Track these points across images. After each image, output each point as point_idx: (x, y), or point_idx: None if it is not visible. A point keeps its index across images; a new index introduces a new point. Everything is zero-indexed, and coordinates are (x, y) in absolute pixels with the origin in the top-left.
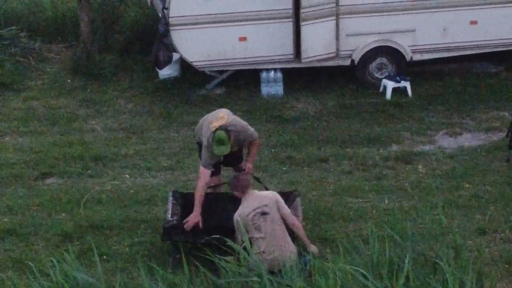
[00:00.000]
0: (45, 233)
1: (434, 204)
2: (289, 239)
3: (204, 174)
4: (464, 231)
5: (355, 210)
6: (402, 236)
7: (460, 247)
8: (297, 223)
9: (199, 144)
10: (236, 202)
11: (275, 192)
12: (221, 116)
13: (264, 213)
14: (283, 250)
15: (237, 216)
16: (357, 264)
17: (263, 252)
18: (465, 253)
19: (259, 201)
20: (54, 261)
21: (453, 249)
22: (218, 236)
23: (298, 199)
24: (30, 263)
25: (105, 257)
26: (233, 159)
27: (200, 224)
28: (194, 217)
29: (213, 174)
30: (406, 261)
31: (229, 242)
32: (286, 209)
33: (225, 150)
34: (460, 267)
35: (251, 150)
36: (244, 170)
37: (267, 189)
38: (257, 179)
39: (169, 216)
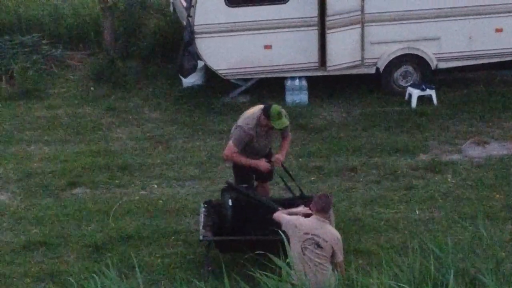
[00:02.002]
0: (75, 244)
1: (467, 215)
2: (327, 276)
3: (231, 148)
4: (498, 242)
5: (386, 220)
6: (442, 250)
7: (501, 260)
8: (343, 272)
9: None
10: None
11: (340, 238)
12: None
13: (318, 245)
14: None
15: (296, 220)
16: (400, 279)
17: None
18: (506, 267)
19: (323, 231)
20: (96, 276)
21: (493, 263)
22: (261, 251)
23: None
24: (69, 277)
25: (137, 269)
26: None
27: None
28: (262, 165)
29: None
30: (451, 278)
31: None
32: (340, 258)
33: (285, 121)
34: (501, 281)
35: (284, 142)
36: (271, 160)
37: (294, 181)
38: (285, 169)
39: (201, 228)
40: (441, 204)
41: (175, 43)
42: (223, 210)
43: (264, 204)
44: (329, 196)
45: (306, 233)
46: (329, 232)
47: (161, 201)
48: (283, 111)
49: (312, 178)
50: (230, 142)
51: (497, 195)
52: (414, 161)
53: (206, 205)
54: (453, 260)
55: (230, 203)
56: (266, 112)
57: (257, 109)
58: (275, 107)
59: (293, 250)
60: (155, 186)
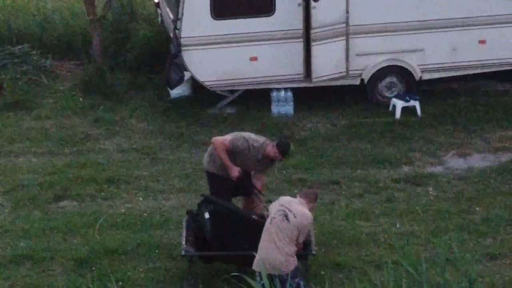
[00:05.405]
0: (61, 258)
1: (446, 229)
2: (282, 255)
3: (225, 141)
4: (475, 256)
5: (366, 234)
6: (416, 266)
7: (474, 280)
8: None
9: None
10: None
11: (311, 220)
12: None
13: (286, 217)
14: (266, 256)
15: (280, 197)
16: None
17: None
18: (479, 284)
19: (297, 208)
20: None
21: (466, 279)
22: (237, 273)
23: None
24: None
25: (120, 283)
26: (246, 185)
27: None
28: (234, 172)
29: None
30: None
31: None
32: (301, 239)
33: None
34: None
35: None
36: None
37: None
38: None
39: (184, 242)
40: (421, 217)
41: (164, 54)
42: (202, 223)
43: (239, 213)
44: (315, 190)
45: (281, 205)
46: (303, 211)
47: (145, 214)
48: None
49: (296, 191)
50: (229, 137)
51: (477, 208)
52: (396, 173)
53: (188, 216)
54: (427, 276)
55: (207, 215)
56: (283, 148)
57: (263, 139)
58: (293, 147)
59: (266, 223)
60: (141, 198)
